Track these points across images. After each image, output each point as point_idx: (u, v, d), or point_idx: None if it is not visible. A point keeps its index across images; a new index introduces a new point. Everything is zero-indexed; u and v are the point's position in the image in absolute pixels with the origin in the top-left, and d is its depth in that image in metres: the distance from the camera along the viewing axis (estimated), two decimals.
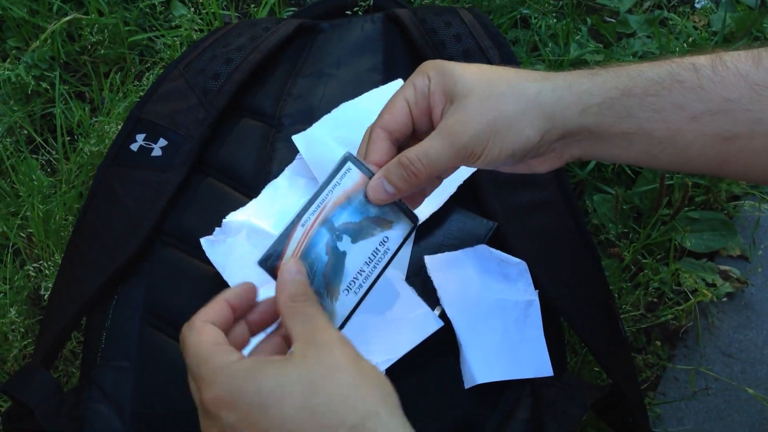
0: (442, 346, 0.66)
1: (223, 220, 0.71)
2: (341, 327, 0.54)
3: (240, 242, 0.68)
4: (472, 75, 0.52)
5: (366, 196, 0.54)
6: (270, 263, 0.52)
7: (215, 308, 0.49)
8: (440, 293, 0.68)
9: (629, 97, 0.51)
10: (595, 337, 0.71)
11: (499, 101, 0.51)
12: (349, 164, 0.54)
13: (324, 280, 0.53)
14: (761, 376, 0.93)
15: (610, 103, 0.51)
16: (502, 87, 0.51)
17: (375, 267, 0.55)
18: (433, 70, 0.54)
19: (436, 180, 0.57)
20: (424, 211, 0.69)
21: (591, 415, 0.86)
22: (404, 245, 0.57)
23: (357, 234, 0.54)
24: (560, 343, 0.72)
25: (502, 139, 0.51)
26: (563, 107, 0.51)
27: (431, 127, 0.54)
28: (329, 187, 0.54)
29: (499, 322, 0.67)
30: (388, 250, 0.56)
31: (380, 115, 0.55)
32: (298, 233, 0.53)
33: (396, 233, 0.56)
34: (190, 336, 0.47)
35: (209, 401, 0.44)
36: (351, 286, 0.54)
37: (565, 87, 0.51)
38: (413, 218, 0.57)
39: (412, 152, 0.52)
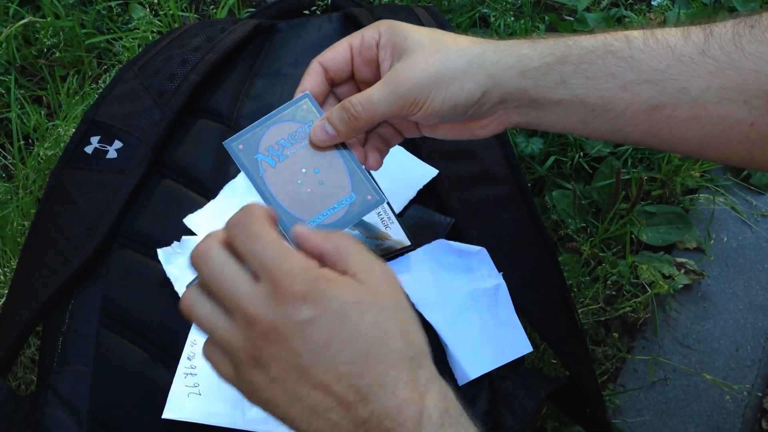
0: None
1: (183, 237, 0.70)
2: None
3: None
4: (421, 34, 0.56)
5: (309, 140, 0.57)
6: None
7: None
8: (410, 297, 0.67)
9: (565, 63, 0.53)
10: (552, 330, 0.72)
11: (444, 56, 0.54)
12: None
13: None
14: (718, 365, 0.95)
15: (546, 68, 0.53)
16: (449, 44, 0.55)
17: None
18: (384, 26, 0.57)
19: (396, 136, 0.61)
20: None
21: (551, 407, 0.87)
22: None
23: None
24: None
25: (445, 91, 0.53)
26: (504, 68, 0.54)
27: (376, 79, 0.57)
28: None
29: (474, 314, 0.68)
30: None
31: (323, 52, 0.58)
32: None
33: None
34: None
35: (288, 295, 0.42)
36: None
37: (506, 51, 0.54)
38: None
39: (355, 97, 0.55)
